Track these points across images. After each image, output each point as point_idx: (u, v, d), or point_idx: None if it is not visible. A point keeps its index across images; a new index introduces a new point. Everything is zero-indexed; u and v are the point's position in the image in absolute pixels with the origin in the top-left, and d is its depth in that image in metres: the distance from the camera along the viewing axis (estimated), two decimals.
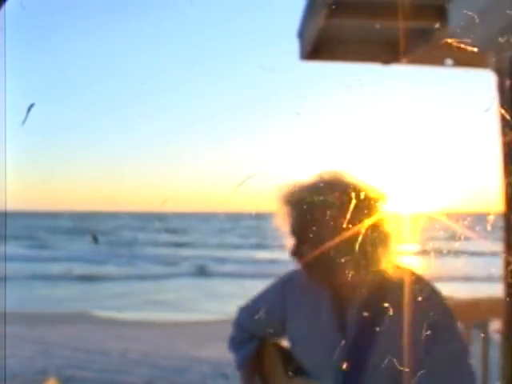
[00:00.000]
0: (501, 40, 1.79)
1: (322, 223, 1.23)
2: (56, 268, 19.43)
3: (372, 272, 1.29)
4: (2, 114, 0.98)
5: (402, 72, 3.09)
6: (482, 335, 2.78)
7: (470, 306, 2.87)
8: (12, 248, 24.61)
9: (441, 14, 2.12)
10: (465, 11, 1.98)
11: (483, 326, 2.80)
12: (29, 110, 0.91)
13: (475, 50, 1.90)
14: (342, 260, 1.24)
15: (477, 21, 1.82)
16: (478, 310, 2.75)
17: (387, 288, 1.27)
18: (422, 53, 2.49)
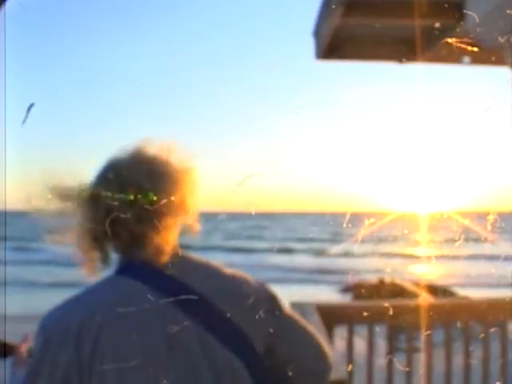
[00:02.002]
0: None
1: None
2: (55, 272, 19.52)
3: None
4: (1, 114, 0.98)
5: (418, 70, 3.06)
6: (501, 335, 2.76)
7: (489, 306, 2.84)
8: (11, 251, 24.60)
9: (457, 11, 2.10)
10: (481, 7, 1.95)
11: (501, 327, 2.78)
12: (29, 109, 0.91)
13: (492, 47, 1.88)
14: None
15: (493, 17, 1.79)
16: (496, 311, 2.72)
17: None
18: (438, 51, 2.46)
